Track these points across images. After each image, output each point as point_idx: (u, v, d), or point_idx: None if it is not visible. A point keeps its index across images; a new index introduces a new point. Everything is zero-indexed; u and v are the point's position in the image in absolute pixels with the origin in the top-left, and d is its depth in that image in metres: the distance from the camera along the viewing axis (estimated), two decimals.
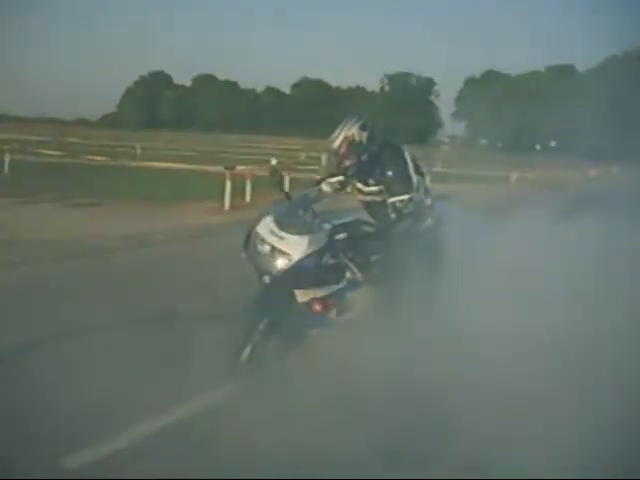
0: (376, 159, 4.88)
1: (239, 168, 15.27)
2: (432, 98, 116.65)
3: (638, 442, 3.44)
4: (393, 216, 4.76)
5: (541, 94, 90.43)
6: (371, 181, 4.95)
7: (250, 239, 4.53)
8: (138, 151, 30.51)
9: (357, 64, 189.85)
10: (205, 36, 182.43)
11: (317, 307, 4.45)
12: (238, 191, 14.30)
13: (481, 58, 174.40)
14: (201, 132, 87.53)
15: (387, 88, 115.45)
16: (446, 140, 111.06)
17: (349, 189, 5.35)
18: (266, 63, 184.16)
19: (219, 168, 15.35)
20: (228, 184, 13.86)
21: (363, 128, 4.86)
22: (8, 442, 3.57)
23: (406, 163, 4.93)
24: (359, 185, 5.05)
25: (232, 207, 13.79)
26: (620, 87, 75.75)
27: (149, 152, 30.87)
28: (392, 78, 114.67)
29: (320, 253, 4.45)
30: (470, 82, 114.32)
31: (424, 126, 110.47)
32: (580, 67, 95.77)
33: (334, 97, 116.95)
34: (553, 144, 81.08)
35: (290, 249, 4.37)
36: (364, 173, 4.95)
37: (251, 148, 43.00)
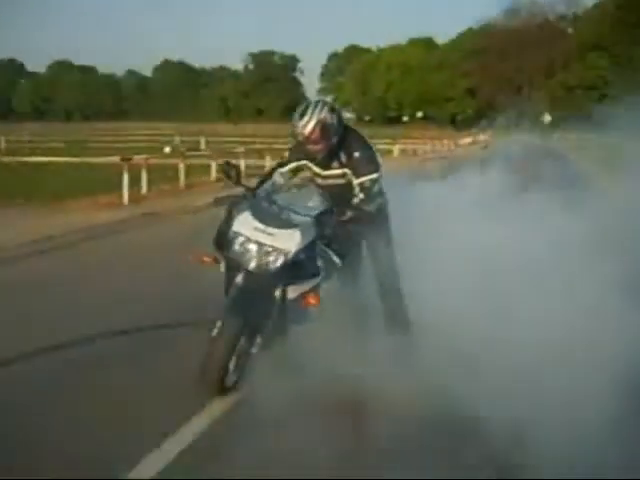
0: (343, 141, 4.70)
1: (136, 158, 14.32)
2: (297, 75, 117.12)
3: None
4: (362, 196, 4.63)
5: (404, 67, 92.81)
6: (335, 164, 4.76)
7: (227, 240, 4.23)
8: (2, 144, 28.51)
9: (219, 44, 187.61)
10: (58, 19, 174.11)
11: (312, 300, 4.21)
12: (132, 183, 13.34)
13: (344, 33, 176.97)
14: (63, 122, 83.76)
15: (251, 67, 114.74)
16: None
17: (302, 175, 5.13)
18: (125, 46, 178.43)
19: (103, 159, 14.34)
20: (126, 176, 12.86)
21: (332, 111, 4.61)
22: None
23: (370, 144, 4.85)
24: (317, 169, 4.83)
25: (131, 200, 12.86)
26: (477, 58, 79.14)
27: (13, 146, 28.92)
28: (255, 57, 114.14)
29: (312, 245, 4.30)
30: (333, 57, 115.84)
31: (290, 103, 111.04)
32: (439, 40, 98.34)
33: (197, 78, 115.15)
34: (420, 115, 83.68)
35: (284, 244, 4.14)
36: (330, 157, 4.74)
37: (121, 136, 41.53)
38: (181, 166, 15.61)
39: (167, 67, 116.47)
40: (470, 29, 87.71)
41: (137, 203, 12.70)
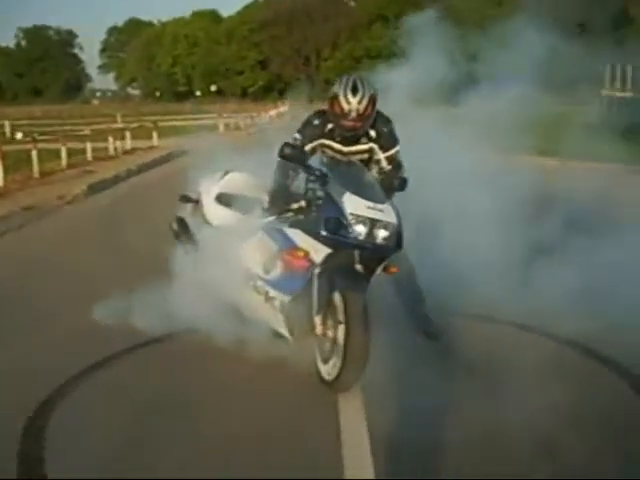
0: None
1: None
2: (76, 51, 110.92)
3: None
4: (389, 168, 4.80)
5: (190, 40, 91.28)
6: (364, 139, 4.81)
7: (344, 225, 4.09)
8: None
9: None
10: None
11: (393, 269, 4.30)
12: None
13: (123, 6, 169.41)
14: None
15: (24, 43, 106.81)
16: (97, 95, 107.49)
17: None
18: None
19: None
20: None
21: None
22: None
23: (389, 117, 4.95)
24: (338, 147, 4.80)
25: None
26: (265, 30, 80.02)
27: None
28: (28, 32, 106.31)
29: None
30: (113, 31, 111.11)
31: (71, 81, 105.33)
32: (224, 12, 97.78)
33: None
34: (214, 88, 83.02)
35: (392, 217, 4.17)
36: (360, 133, 4.80)
37: None
38: (34, 152, 14.48)
39: None
40: (256, 1, 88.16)
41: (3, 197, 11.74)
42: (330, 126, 4.74)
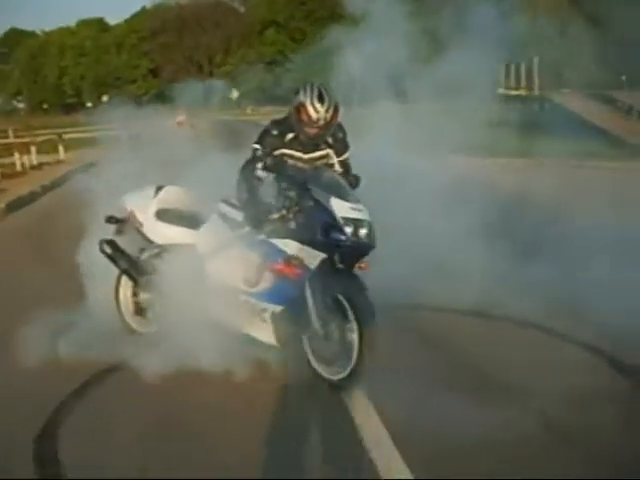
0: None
1: None
2: None
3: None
4: (342, 171, 5.00)
5: (78, 50, 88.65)
6: (323, 146, 5.01)
7: (337, 228, 4.35)
8: None
9: None
10: None
11: (364, 265, 4.52)
12: None
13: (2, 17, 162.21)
14: None
15: None
16: None
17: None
18: None
19: None
20: None
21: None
22: None
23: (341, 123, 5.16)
24: (298, 154, 4.92)
25: None
26: (156, 38, 78.77)
27: None
28: None
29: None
30: None
31: None
32: (111, 20, 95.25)
33: None
34: (105, 99, 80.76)
35: (368, 216, 4.45)
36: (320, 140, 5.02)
37: None
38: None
39: None
40: (144, 9, 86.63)
41: None
42: (290, 135, 4.83)
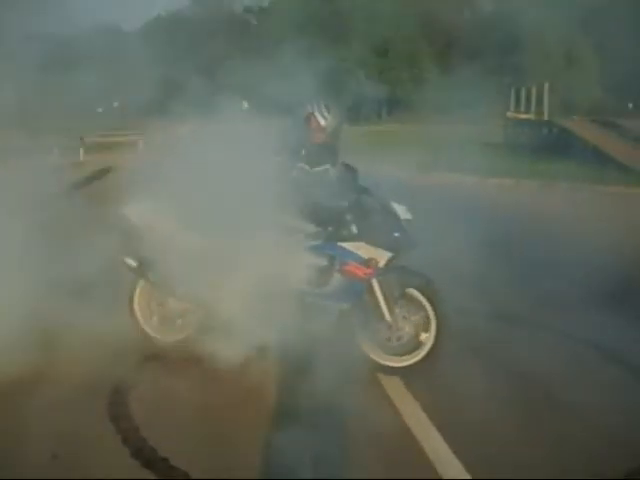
0: None
1: None
2: None
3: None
4: None
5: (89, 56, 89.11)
6: (326, 161, 5.18)
7: (402, 228, 4.79)
8: None
9: None
10: None
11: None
12: None
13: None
14: None
15: None
16: None
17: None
18: None
19: None
20: None
21: None
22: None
23: None
24: (307, 168, 5.09)
25: None
26: (169, 47, 79.28)
27: None
28: None
29: None
30: None
31: None
32: (125, 27, 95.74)
33: None
34: (116, 105, 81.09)
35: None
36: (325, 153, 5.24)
37: None
38: None
39: None
40: (159, 16, 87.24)
41: None
42: (304, 152, 5.05)
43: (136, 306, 5.30)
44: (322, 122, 5.06)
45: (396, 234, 4.71)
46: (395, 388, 4.60)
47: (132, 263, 5.14)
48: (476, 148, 21.47)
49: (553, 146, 21.74)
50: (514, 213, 11.04)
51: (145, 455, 3.68)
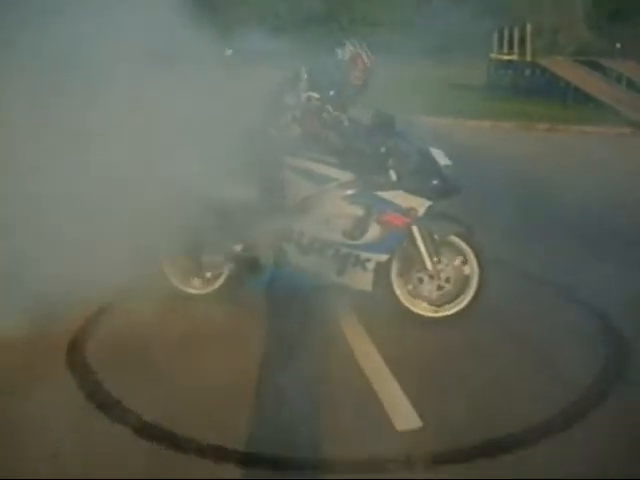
0: None
1: None
2: None
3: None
4: None
5: None
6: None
7: (442, 175, 4.61)
8: None
9: None
10: None
11: None
12: None
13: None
14: None
15: None
16: None
17: None
18: None
19: None
20: None
21: None
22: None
23: None
24: (336, 111, 4.99)
25: None
26: None
27: None
28: None
29: None
30: None
31: None
32: None
33: None
34: None
35: None
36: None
37: None
38: None
39: None
40: None
41: None
42: (335, 93, 4.89)
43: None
44: (367, 61, 4.85)
45: (435, 181, 4.50)
46: None
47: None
48: (456, 90, 21.42)
49: (535, 87, 21.61)
50: (483, 154, 11.02)
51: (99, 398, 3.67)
